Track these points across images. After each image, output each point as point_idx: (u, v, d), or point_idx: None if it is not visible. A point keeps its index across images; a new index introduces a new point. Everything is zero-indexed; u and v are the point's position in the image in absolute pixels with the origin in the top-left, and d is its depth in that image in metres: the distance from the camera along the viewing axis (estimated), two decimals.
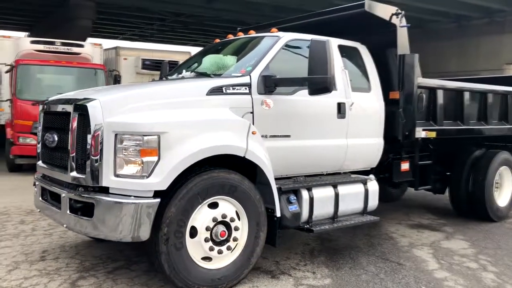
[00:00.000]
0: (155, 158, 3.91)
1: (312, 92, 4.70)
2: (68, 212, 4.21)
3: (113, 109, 4.05)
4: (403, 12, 5.77)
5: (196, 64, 5.77)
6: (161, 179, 3.90)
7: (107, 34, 29.63)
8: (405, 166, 6.54)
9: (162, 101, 4.23)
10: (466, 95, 6.80)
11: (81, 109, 4.14)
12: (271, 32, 5.48)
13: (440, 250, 5.82)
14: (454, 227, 6.98)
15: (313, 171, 5.37)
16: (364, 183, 5.56)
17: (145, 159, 3.89)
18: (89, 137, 4.03)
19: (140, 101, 4.18)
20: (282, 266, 5.09)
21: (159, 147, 3.91)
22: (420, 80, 5.98)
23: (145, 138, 3.89)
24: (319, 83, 4.58)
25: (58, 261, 5.09)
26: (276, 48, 5.02)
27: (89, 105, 4.07)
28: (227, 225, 4.31)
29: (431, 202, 8.87)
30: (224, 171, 4.33)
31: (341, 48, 5.65)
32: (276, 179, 4.94)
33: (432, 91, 6.36)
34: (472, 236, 6.52)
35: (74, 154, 4.20)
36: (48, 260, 5.11)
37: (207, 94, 4.42)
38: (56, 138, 4.51)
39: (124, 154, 3.93)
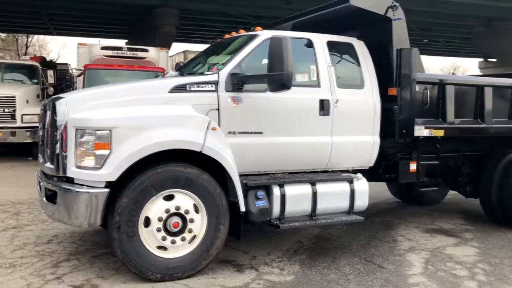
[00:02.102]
0: (107, 152, 4.22)
1: (271, 89, 4.73)
2: (44, 199, 4.68)
3: (77, 106, 4.44)
4: (397, 4, 5.52)
5: (195, 63, 6.03)
6: (111, 170, 4.20)
7: (195, 39, 31.06)
8: (413, 166, 6.21)
9: (123, 99, 4.54)
10: (486, 91, 6.27)
11: (53, 106, 4.58)
12: (255, 31, 5.55)
13: (438, 256, 5.48)
14: (475, 234, 6.49)
15: (293, 169, 5.35)
16: (350, 182, 5.41)
17: (98, 152, 4.23)
18: (57, 132, 4.46)
19: (103, 99, 4.53)
20: (256, 261, 5.16)
21: (111, 141, 4.22)
22: (419, 75, 5.66)
23: (98, 132, 4.22)
24: (277, 80, 4.59)
25: (59, 245, 5.62)
26: (251, 46, 5.09)
27: (57, 103, 4.51)
28: (183, 217, 4.50)
29: (473, 207, 8.25)
30: (181, 165, 4.53)
31: (331, 44, 5.56)
32: (250, 175, 5.06)
33: (441, 86, 5.98)
34: (489, 244, 6.02)
35: (49, 147, 4.66)
36: (52, 243, 5.67)
37: (169, 92, 4.65)
38: (41, 134, 5.03)
39: (83, 147, 4.29)
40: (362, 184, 5.49)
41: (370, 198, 8.63)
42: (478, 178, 6.93)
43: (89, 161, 4.26)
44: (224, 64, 4.99)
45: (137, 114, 4.41)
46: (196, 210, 4.58)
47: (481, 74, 27.72)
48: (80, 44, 13.76)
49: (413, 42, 23.79)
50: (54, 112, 4.55)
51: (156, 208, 4.41)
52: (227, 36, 6.12)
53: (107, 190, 4.24)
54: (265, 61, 5.08)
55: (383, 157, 6.27)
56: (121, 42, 30.59)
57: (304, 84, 5.33)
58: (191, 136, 4.49)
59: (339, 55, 5.67)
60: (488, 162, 6.91)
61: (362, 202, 5.48)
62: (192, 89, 4.73)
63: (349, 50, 5.73)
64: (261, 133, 5.02)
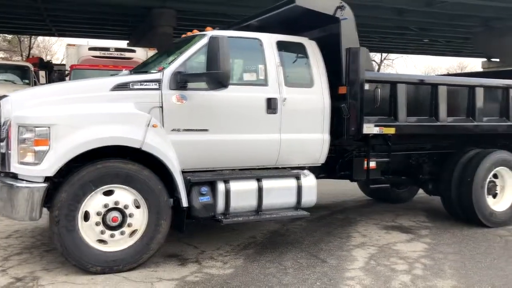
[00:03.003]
0: (46, 148, 4.38)
1: (210, 87, 4.87)
2: None
3: (21, 105, 4.61)
4: (345, 4, 5.62)
5: (149, 63, 6.18)
6: (48, 166, 4.37)
7: None
8: (372, 164, 6.30)
9: (66, 97, 4.70)
10: (440, 89, 6.34)
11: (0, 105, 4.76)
12: (205, 31, 5.68)
13: (385, 252, 5.57)
14: (432, 231, 6.57)
15: (242, 165, 5.47)
16: (298, 178, 5.52)
17: (38, 148, 4.39)
18: (3, 129, 4.63)
19: (46, 97, 4.71)
20: (203, 255, 5.29)
21: (49, 138, 4.38)
22: (367, 74, 5.75)
23: (37, 129, 4.39)
24: (214, 78, 4.74)
25: (18, 239, 5.80)
26: (197, 46, 5.22)
27: (2, 102, 4.69)
28: (122, 211, 4.65)
29: (441, 205, 8.30)
30: (121, 161, 4.68)
31: (281, 44, 5.67)
32: (198, 171, 5.20)
33: (393, 85, 6.07)
34: (441, 240, 6.09)
35: None
36: (11, 238, 5.85)
37: (111, 90, 4.80)
38: None
39: (24, 144, 4.45)
40: (309, 180, 5.59)
41: (342, 196, 8.83)
42: (439, 176, 7.00)
43: (30, 157, 4.42)
44: (170, 63, 5.13)
45: (76, 111, 4.56)
46: (137, 206, 4.72)
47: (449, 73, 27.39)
48: (69, 45, 14.03)
49: (413, 42, 23.93)
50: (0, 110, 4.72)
51: (95, 203, 4.56)
52: (183, 36, 6.26)
53: (44, 185, 4.40)
54: None
55: (339, 154, 6.39)
56: (123, 43, 30.97)
57: (252, 83, 5.46)
58: (130, 133, 4.64)
59: (289, 54, 5.78)
60: (448, 160, 6.98)
61: (310, 198, 5.57)
62: (135, 87, 4.87)
63: (299, 50, 5.83)
64: (206, 130, 5.15)
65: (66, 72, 17.66)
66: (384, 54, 44.46)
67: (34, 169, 4.40)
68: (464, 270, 5.00)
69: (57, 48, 48.98)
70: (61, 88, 4.96)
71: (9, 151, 4.54)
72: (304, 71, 5.79)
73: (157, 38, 22.65)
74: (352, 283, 4.57)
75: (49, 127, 4.38)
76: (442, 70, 52.84)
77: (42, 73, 15.23)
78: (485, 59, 37.60)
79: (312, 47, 5.86)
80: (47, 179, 4.43)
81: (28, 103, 4.62)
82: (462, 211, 6.82)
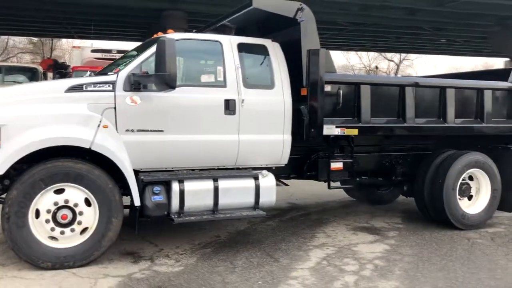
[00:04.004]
0: None
1: (158, 89, 4.99)
2: None
3: None
4: (303, 6, 5.66)
5: (113, 65, 6.31)
6: None
7: None
8: (336, 164, 6.32)
9: (22, 98, 4.88)
10: (407, 90, 6.30)
11: None
12: (167, 33, 5.79)
13: (342, 252, 5.58)
14: (402, 232, 6.54)
15: (201, 165, 5.55)
16: (256, 178, 5.58)
17: None
18: None
19: (4, 98, 4.89)
20: (159, 253, 5.40)
21: (0, 138, 4.56)
22: (327, 75, 5.76)
23: None
24: (160, 80, 4.86)
25: None
26: (151, 50, 5.29)
27: None
28: (73, 209, 4.80)
29: None
30: (71, 160, 4.84)
31: (242, 46, 5.73)
32: (155, 171, 5.31)
33: (357, 86, 6.06)
34: (405, 242, 6.06)
35: None
36: None
37: (65, 91, 4.95)
38: None
39: None
40: (268, 181, 5.64)
41: (327, 197, 8.81)
42: (412, 177, 6.96)
43: None
44: (126, 65, 5.26)
45: (28, 112, 4.73)
46: (88, 204, 4.86)
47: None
48: (74, 47, 14.41)
49: (429, 42, 23.42)
50: None
51: (45, 200, 4.72)
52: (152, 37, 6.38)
53: None
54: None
55: (306, 155, 6.42)
56: (137, 45, 31.34)
57: (210, 85, 5.54)
58: (80, 133, 4.79)
59: (250, 56, 5.86)
60: (423, 161, 6.93)
61: (268, 198, 5.62)
62: (89, 88, 5.01)
63: (262, 51, 5.88)
64: (161, 131, 5.25)
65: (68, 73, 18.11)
66: (403, 55, 43.90)
67: None
68: (414, 271, 4.98)
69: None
70: (20, 89, 5.16)
71: None
72: (265, 73, 5.84)
73: None
74: (293, 283, 4.61)
75: None
76: (466, 70, 51.77)
77: (50, 75, 15.63)
78: (507, 59, 36.79)
79: (274, 49, 5.91)
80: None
81: None
82: (434, 212, 6.76)
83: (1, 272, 4.72)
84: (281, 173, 6.26)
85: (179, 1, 21.29)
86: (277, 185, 6.67)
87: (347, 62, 47.73)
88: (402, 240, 6.15)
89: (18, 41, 42.54)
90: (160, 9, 22.44)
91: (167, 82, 4.84)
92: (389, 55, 44.05)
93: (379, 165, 7.00)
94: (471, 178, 6.94)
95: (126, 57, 6.12)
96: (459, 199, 6.73)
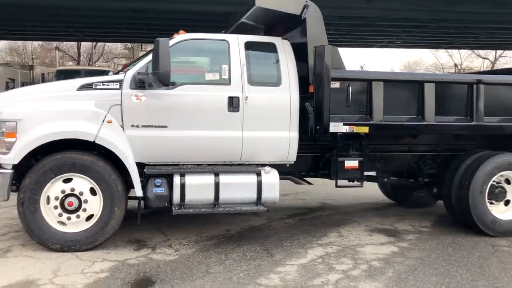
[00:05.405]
0: (14, 139, 5.12)
1: (155, 86, 5.27)
2: None
3: (4, 103, 5.40)
4: (307, 2, 5.64)
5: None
6: (14, 155, 5.09)
7: None
8: (350, 163, 6.20)
9: (39, 96, 5.42)
10: (427, 87, 6.00)
11: None
12: (179, 34, 6.05)
13: (344, 252, 5.49)
14: (422, 236, 6.24)
15: (205, 160, 5.74)
16: (258, 174, 5.66)
17: (8, 139, 5.14)
18: None
19: (24, 96, 5.47)
20: (164, 243, 5.69)
21: (17, 131, 5.11)
22: (333, 72, 5.68)
23: (7, 124, 5.14)
24: (156, 77, 5.15)
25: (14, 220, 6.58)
26: None
27: None
28: (79, 197, 5.23)
29: None
30: (78, 152, 5.28)
31: (249, 44, 5.85)
32: (158, 165, 5.62)
33: (367, 83, 5.91)
34: (421, 245, 5.79)
35: None
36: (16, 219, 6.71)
37: (77, 90, 5.41)
38: None
39: (0, 136, 5.24)
40: (271, 177, 5.69)
41: (365, 198, 8.60)
42: (441, 179, 6.61)
43: (2, 147, 5.19)
44: (134, 65, 5.62)
45: (41, 108, 5.25)
46: (94, 193, 5.27)
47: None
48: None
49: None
50: None
51: (54, 188, 5.20)
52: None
53: (11, 171, 5.14)
54: (177, 61, 5.63)
55: (321, 153, 6.38)
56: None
57: (214, 82, 5.73)
58: (85, 127, 5.21)
59: (258, 54, 5.95)
60: (453, 162, 6.56)
61: (271, 194, 5.68)
62: (98, 87, 5.43)
63: (270, 49, 5.95)
64: (165, 126, 5.54)
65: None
66: (499, 52, 40.83)
67: (5, 158, 5.15)
68: (407, 274, 4.79)
69: None
70: (36, 88, 5.73)
71: None
72: (272, 70, 5.91)
73: None
74: (274, 277, 4.65)
75: (16, 122, 5.11)
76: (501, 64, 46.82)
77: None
78: None
79: (284, 47, 5.96)
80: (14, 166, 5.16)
81: (10, 101, 5.39)
82: (462, 217, 6.38)
83: (18, 251, 5.28)
84: (292, 171, 6.26)
85: None
86: (297, 183, 6.74)
87: (436, 60, 45.54)
88: (416, 243, 5.89)
89: (114, 47, 45.70)
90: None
91: (161, 80, 5.12)
92: (483, 52, 41.23)
93: (406, 165, 6.73)
94: (508, 181, 6.45)
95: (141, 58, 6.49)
96: (491, 203, 6.28)
